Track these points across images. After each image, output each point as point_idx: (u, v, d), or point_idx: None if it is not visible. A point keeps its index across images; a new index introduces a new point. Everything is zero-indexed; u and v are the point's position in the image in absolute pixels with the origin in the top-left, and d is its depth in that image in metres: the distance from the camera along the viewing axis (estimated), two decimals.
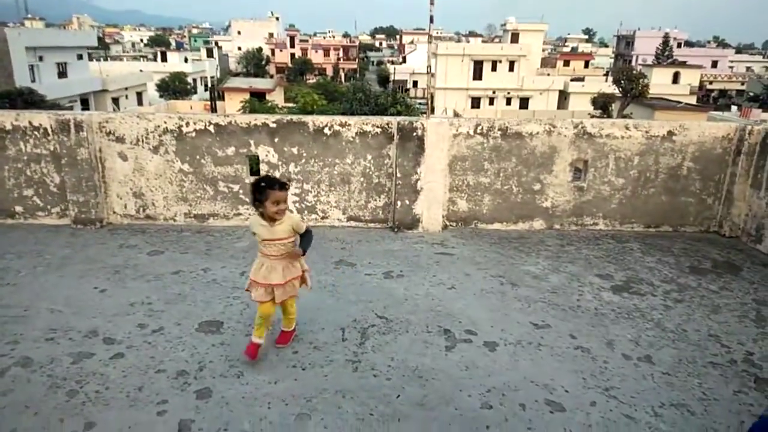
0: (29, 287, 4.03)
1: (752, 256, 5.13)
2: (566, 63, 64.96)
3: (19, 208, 5.40)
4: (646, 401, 2.94)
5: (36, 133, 5.20)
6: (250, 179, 5.41)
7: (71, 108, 30.37)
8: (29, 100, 25.55)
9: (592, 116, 31.35)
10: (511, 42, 50.61)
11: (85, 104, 36.55)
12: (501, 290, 4.21)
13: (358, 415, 2.76)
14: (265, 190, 2.95)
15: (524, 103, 46.01)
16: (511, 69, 45.82)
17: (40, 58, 33.35)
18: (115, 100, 39.84)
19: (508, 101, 46.00)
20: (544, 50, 66.36)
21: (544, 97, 46.12)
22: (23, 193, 5.36)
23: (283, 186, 3.01)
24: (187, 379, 2.98)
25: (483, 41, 66.86)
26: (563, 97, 47.12)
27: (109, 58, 61.88)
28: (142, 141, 5.27)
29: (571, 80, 48.82)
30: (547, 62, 64.20)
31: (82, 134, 5.11)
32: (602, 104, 37.60)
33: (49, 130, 5.18)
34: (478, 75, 45.52)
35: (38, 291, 3.97)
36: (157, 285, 4.12)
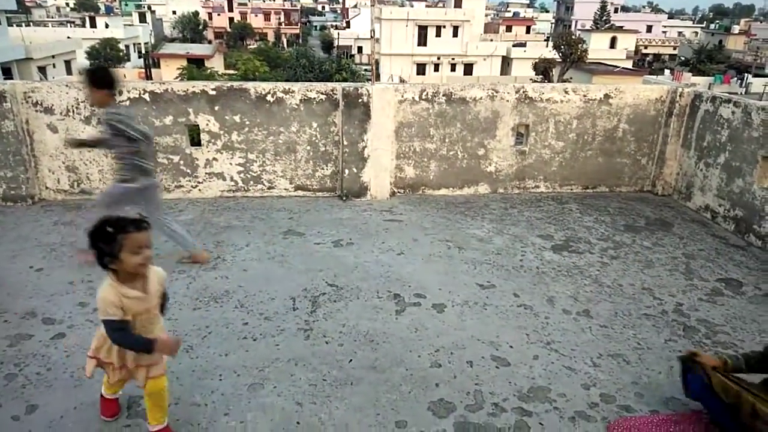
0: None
1: (682, 213, 5.44)
2: (509, 28, 65.53)
3: None
4: (585, 353, 3.11)
5: None
6: (191, 149, 5.25)
7: None
8: None
9: (534, 81, 31.95)
10: (455, 7, 50.46)
11: (7, 74, 34.02)
12: (448, 254, 4.30)
13: (311, 381, 2.79)
14: (116, 239, 2.03)
15: (468, 69, 46.24)
16: (455, 35, 45.80)
17: None
18: (42, 69, 37.28)
19: (453, 67, 46.10)
20: (487, 15, 66.61)
21: (487, 63, 46.46)
22: None
23: (140, 225, 2.09)
24: None
25: (427, 6, 66.32)
26: (506, 62, 47.64)
27: (31, 24, 57.63)
28: (73, 111, 4.99)
29: (514, 46, 49.39)
30: (489, 28, 64.52)
31: (6, 105, 4.78)
32: (543, 69, 38.29)
33: None
34: (422, 41, 45.26)
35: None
36: None
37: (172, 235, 3.90)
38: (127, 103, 5.02)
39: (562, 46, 37.48)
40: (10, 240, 4.30)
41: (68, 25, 60.21)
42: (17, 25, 46.92)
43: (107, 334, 2.16)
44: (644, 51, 65.87)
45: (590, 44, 44.59)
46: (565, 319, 3.46)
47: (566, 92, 5.57)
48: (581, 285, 3.90)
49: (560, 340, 3.22)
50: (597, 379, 2.90)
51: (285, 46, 68.64)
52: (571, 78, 35.45)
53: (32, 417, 2.49)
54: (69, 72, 40.12)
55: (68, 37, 44.59)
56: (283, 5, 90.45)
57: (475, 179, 5.69)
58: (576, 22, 66.71)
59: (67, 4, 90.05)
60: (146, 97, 5.03)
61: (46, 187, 5.17)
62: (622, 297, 3.76)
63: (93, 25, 52.92)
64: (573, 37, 39.57)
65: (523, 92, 5.49)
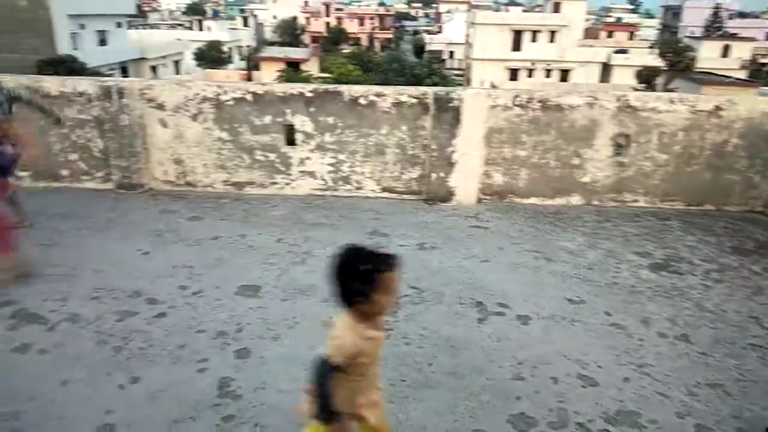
0: (75, 248, 4.20)
1: None
2: (610, 34, 62.59)
3: (65, 172, 5.58)
4: (681, 380, 2.91)
5: (80, 99, 5.34)
6: (286, 148, 5.46)
7: (111, 75, 30.93)
8: (71, 67, 26.12)
9: (636, 90, 30.30)
10: (553, 11, 48.99)
11: (124, 72, 37.19)
12: (535, 265, 4.18)
13: (390, 380, 2.81)
14: (372, 278, 1.73)
15: (564, 75, 44.66)
16: (552, 40, 44.42)
17: (82, 26, 33.92)
18: (153, 68, 40.38)
19: (548, 73, 44.72)
20: (587, 20, 63.95)
21: (585, 70, 44.63)
22: (69, 157, 5.54)
23: (394, 261, 1.78)
24: (227, 340, 3.09)
25: (523, 10, 64.90)
26: (605, 69, 45.54)
27: (147, 27, 62.56)
28: (182, 108, 5.36)
29: (615, 52, 47.07)
30: (589, 33, 61.95)
31: (124, 100, 5.22)
32: (646, 78, 36.28)
33: (93, 97, 5.31)
34: (517, 46, 44.31)
35: (84, 252, 4.14)
36: (197, 249, 4.24)
37: None
38: (232, 103, 5.31)
39: (669, 54, 35.30)
40: (121, 224, 4.69)
41: (178, 28, 64.68)
42: (135, 28, 50.98)
43: (317, 374, 1.82)
44: (762, 60, 60.55)
45: (700, 52, 41.63)
46: (661, 342, 3.25)
47: (672, 102, 5.24)
48: (680, 308, 3.65)
49: (654, 364, 3.04)
50: (693, 408, 2.70)
51: (378, 50, 69.77)
52: (677, 88, 33.27)
53: (134, 387, 2.70)
54: (177, 72, 43.08)
55: (178, 39, 47.95)
56: (377, 10, 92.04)
57: (568, 189, 5.50)
58: (684, 28, 62.57)
59: (179, 9, 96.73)
60: (249, 97, 5.30)
61: (155, 178, 5.59)
62: (726, 324, 3.48)
63: (200, 28, 56.55)
64: (680, 44, 37.14)
65: (625, 101, 5.23)
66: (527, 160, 5.41)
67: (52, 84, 5.35)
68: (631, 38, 62.15)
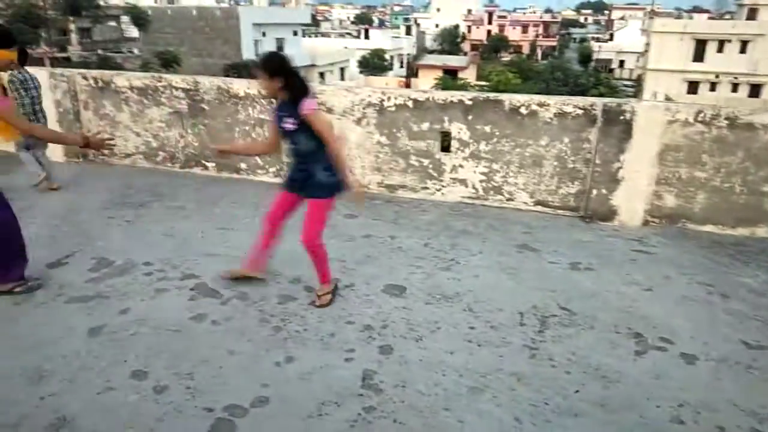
0: (248, 233, 4.64)
1: None
2: None
3: (244, 166, 6.23)
4: None
5: (262, 100, 5.91)
6: (440, 155, 5.52)
7: None
8: (252, 72, 29.12)
9: None
10: (747, 18, 43.50)
11: None
12: (708, 300, 3.75)
13: (532, 401, 2.72)
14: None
15: (755, 90, 39.37)
16: (743, 50, 39.45)
17: (263, 34, 37.64)
18: (321, 74, 43.43)
19: (735, 87, 39.79)
20: None
21: None
22: None
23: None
24: (372, 334, 3.22)
25: (709, 18, 58.50)
26: None
27: (319, 35, 67.38)
28: (348, 113, 5.68)
29: None
30: None
31: None
32: None
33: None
34: (699, 56, 40.06)
35: (255, 237, 4.56)
36: (350, 245, 4.47)
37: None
38: (393, 109, 5.51)
39: None
40: None
41: (346, 36, 68.71)
42: (308, 36, 55.17)
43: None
44: None
45: None
46: None
47: None
48: None
49: None
50: None
51: (539, 58, 67.66)
52: None
53: (289, 366, 2.93)
54: (342, 78, 45.86)
55: (345, 48, 51.00)
56: (542, 17, 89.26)
57: (754, 219, 4.84)
58: None
59: (348, 18, 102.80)
60: (410, 104, 5.46)
61: None
62: None
63: (366, 37, 59.48)
64: None
65: None
66: (707, 182, 4.86)
67: (239, 86, 6.00)
68: None
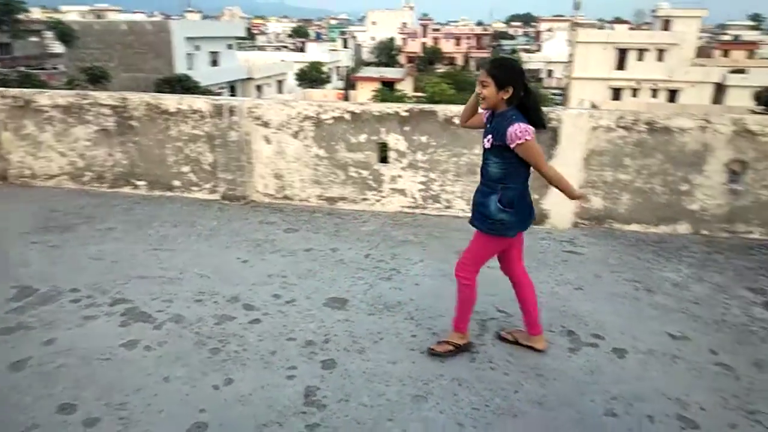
0: (183, 254, 4.53)
1: None
2: (725, 53, 58.24)
3: (177, 183, 6.05)
4: None
5: (194, 115, 5.78)
6: (378, 166, 5.57)
7: (221, 94, 33.21)
8: (186, 85, 28.40)
9: (755, 113, 27.89)
10: (662, 29, 46.44)
11: (232, 91, 39.82)
12: (635, 296, 3.94)
13: (474, 405, 2.76)
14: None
15: (672, 96, 42.02)
16: (660, 59, 42.07)
17: (197, 48, 36.79)
18: (259, 88, 42.88)
19: (654, 93, 42.31)
20: (700, 38, 59.97)
21: (696, 91, 41.72)
22: (181, 169, 6.00)
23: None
24: (314, 349, 3.19)
25: (630, 28, 61.99)
26: (719, 90, 42.34)
27: (255, 48, 66.63)
28: (285, 126, 5.64)
29: (731, 72, 43.69)
30: (702, 52, 58.00)
31: (234, 118, 5.59)
32: (767, 100, 33.27)
33: (206, 114, 5.73)
34: (621, 64, 42.39)
35: (191, 257, 4.45)
36: (291, 260, 4.42)
37: None
38: (331, 121, 5.52)
39: None
40: (225, 233, 4.99)
41: (283, 49, 68.30)
42: (243, 50, 54.43)
43: None
44: None
45: None
46: None
47: None
48: None
49: (767, 412, 2.75)
50: None
51: (473, 69, 69.56)
52: None
53: (228, 389, 2.85)
54: (280, 91, 45.45)
55: (282, 60, 50.61)
56: (474, 30, 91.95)
57: (674, 217, 5.15)
58: None
59: (284, 31, 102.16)
60: (347, 116, 5.48)
61: (256, 191, 5.91)
62: None
63: (303, 50, 59.36)
64: None
65: (742, 125, 4.84)
66: (630, 184, 5.14)
67: (170, 102, 5.84)
68: (750, 57, 57.39)
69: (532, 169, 2.89)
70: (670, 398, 2.84)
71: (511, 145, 2.71)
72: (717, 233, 5.11)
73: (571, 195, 2.92)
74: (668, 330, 3.49)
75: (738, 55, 56.98)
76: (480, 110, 3.03)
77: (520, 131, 2.67)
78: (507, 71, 2.75)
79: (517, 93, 2.74)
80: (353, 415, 2.66)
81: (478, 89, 2.84)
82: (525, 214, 2.94)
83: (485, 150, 2.89)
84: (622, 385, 2.94)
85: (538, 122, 2.80)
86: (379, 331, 3.40)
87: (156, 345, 3.21)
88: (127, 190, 6.17)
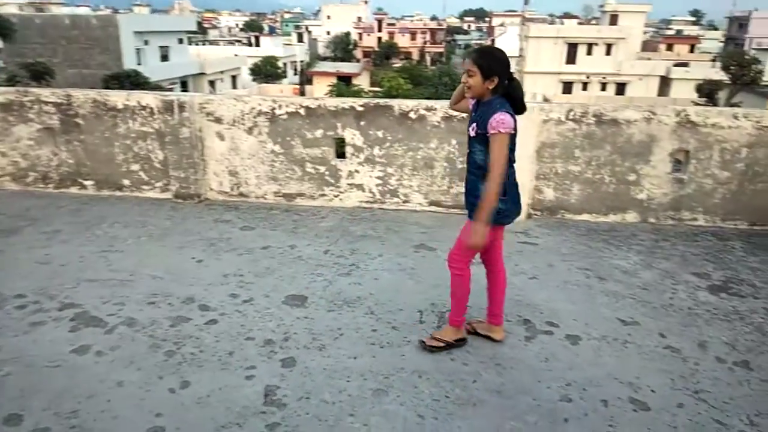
0: (134, 255, 4.39)
1: None
2: (669, 47, 60.58)
3: (126, 182, 5.86)
4: (741, 408, 2.75)
5: (143, 112, 5.60)
6: (336, 161, 5.54)
7: (172, 90, 32.33)
8: (135, 81, 27.49)
9: (697, 104, 29.12)
10: (610, 24, 47.92)
11: (184, 86, 38.82)
12: (587, 283, 4.07)
13: (434, 396, 2.79)
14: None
15: (620, 89, 43.48)
16: (608, 53, 43.41)
17: (146, 42, 35.68)
18: (212, 83, 41.97)
19: (603, 87, 43.66)
20: (645, 33, 62.13)
21: (642, 83, 43.32)
22: (131, 168, 5.81)
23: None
24: (274, 348, 3.15)
25: (579, 23, 63.70)
26: (664, 83, 44.06)
27: (207, 43, 65.12)
28: (238, 122, 5.54)
29: (674, 65, 45.49)
30: (648, 46, 60.16)
31: (185, 114, 5.45)
32: (708, 92, 34.79)
33: (155, 110, 5.57)
34: (571, 58, 43.53)
35: (142, 258, 4.32)
36: (248, 258, 4.36)
37: None
38: (285, 117, 5.45)
39: (732, 67, 33.76)
40: (178, 233, 4.87)
41: (236, 44, 67.00)
42: (195, 44, 53.14)
43: None
44: None
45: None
46: (719, 367, 3.09)
47: (735, 117, 5.01)
48: (741, 332, 3.46)
49: (711, 390, 2.89)
50: None
51: (428, 64, 70.04)
52: (741, 102, 31.74)
53: (184, 392, 2.78)
54: (234, 86, 44.61)
55: (235, 55, 49.66)
56: (428, 25, 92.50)
57: (623, 206, 5.33)
58: (751, 40, 59.73)
59: (237, 25, 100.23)
60: (302, 111, 5.43)
61: (211, 189, 5.79)
62: None
63: (257, 44, 58.36)
64: (746, 56, 35.48)
65: (685, 115, 5.05)
66: (580, 175, 5.29)
67: (117, 98, 5.65)
68: (692, 51, 59.92)
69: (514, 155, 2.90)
70: (622, 382, 2.95)
71: (489, 130, 2.72)
72: (664, 221, 5.32)
73: (479, 218, 2.80)
74: (619, 316, 3.62)
75: (681, 49, 59.38)
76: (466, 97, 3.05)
77: (497, 122, 2.68)
78: (493, 61, 2.76)
79: (502, 82, 2.76)
80: (314, 413, 2.65)
81: (464, 79, 2.86)
82: (517, 198, 2.99)
83: (470, 138, 2.90)
84: (577, 371, 3.03)
85: (521, 110, 2.85)
86: (339, 327, 3.39)
87: (108, 350, 3.11)
88: (74, 190, 5.93)
